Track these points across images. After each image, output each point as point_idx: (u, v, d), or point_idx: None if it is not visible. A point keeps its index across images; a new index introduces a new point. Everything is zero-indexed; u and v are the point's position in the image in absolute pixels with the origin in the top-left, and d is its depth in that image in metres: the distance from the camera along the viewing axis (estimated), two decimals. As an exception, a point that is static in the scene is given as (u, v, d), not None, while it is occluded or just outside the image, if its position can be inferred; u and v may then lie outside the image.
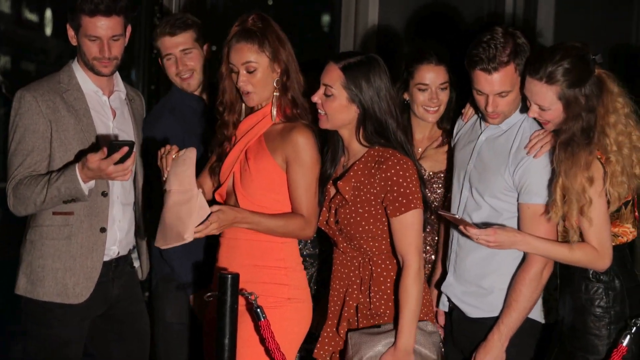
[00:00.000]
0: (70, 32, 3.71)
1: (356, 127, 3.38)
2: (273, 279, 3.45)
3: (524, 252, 3.42)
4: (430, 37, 5.57)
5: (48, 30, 6.41)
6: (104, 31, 3.64)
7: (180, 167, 3.28)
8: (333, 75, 3.36)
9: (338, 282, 3.44)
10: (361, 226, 3.34)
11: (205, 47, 4.04)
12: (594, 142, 3.31)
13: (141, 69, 5.92)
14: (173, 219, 3.24)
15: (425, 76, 3.77)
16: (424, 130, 3.89)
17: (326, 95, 3.37)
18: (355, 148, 3.42)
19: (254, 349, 3.39)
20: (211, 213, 3.23)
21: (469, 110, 3.70)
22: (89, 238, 3.67)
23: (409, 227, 3.30)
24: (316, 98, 3.40)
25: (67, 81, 3.72)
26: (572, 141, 3.30)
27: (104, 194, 3.68)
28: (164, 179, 3.33)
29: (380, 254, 3.37)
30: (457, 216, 3.35)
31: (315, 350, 3.47)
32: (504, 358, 3.41)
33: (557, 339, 3.51)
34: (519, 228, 3.41)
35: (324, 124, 3.41)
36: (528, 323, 3.47)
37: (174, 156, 3.32)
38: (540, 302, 3.52)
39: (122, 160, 3.42)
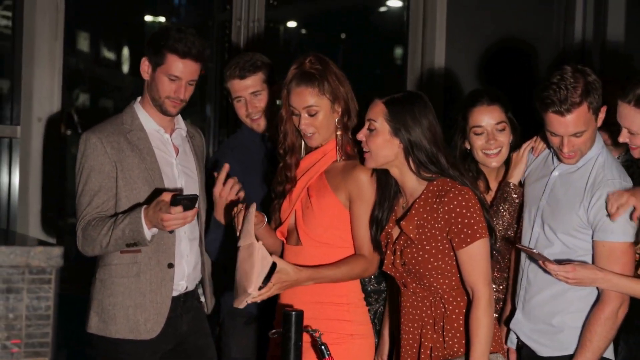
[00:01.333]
0: (146, 66, 3.75)
1: (405, 160, 3.37)
2: (336, 315, 3.47)
3: (597, 290, 3.38)
4: (497, 75, 5.55)
5: (125, 68, 6.55)
6: (187, 74, 3.71)
7: (247, 224, 3.35)
8: (376, 110, 3.37)
9: (410, 324, 3.41)
10: (430, 263, 3.32)
11: (274, 87, 4.05)
12: None
13: (213, 103, 6.02)
14: (241, 275, 3.32)
15: (478, 118, 3.71)
16: (491, 176, 3.82)
17: (370, 130, 3.38)
18: (412, 185, 3.40)
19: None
20: (274, 264, 3.27)
21: (539, 144, 3.66)
22: (157, 274, 3.72)
23: (476, 257, 3.27)
24: (361, 135, 3.41)
25: (130, 122, 3.78)
26: None
27: (171, 231, 3.74)
28: (238, 234, 3.39)
29: (451, 290, 3.34)
30: (535, 251, 3.31)
31: None
32: None
33: None
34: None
35: (369, 163, 3.40)
36: None
37: (241, 213, 3.39)
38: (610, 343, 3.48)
39: (184, 210, 3.47)
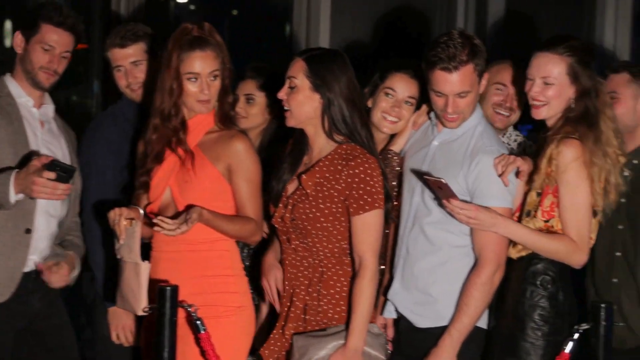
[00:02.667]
0: (19, 39, 3.74)
1: (321, 119, 3.37)
2: (223, 287, 3.45)
3: (475, 260, 3.40)
4: (383, 50, 5.58)
5: (7, 42, 6.39)
6: (60, 45, 3.71)
7: (131, 239, 3.33)
8: (296, 67, 3.38)
9: (287, 282, 3.42)
10: (319, 222, 3.33)
11: (157, 59, 3.96)
12: (599, 126, 3.37)
13: (100, 80, 5.89)
14: (128, 290, 3.35)
15: (396, 83, 3.70)
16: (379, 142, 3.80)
17: (290, 87, 3.38)
18: (321, 144, 3.41)
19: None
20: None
21: (419, 118, 3.68)
22: (14, 237, 3.65)
23: (370, 227, 3.30)
24: (282, 94, 3.40)
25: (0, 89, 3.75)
26: (573, 118, 3.37)
27: (32, 197, 3.63)
28: (119, 244, 3.35)
29: (332, 256, 3.36)
30: (443, 180, 3.24)
31: (262, 349, 3.45)
32: None
33: (495, 345, 3.49)
34: (473, 236, 3.40)
35: (290, 121, 3.41)
36: (475, 331, 3.45)
37: (124, 223, 3.31)
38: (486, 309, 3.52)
39: (56, 180, 3.42)
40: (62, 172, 3.43)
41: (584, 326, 3.28)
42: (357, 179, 3.28)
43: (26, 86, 3.75)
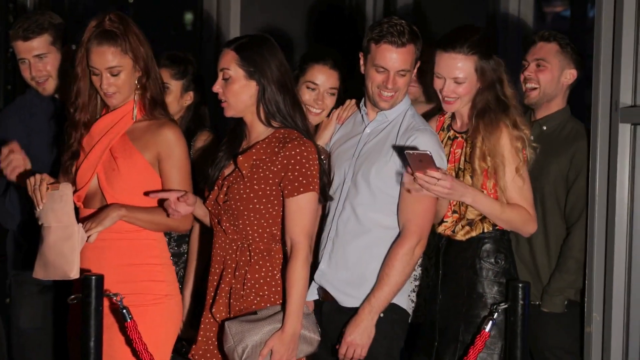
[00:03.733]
0: None
1: (257, 105, 3.39)
2: (150, 276, 3.43)
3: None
4: (296, 39, 5.60)
5: None
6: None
7: (58, 204, 3.29)
8: (227, 58, 3.38)
9: (216, 265, 3.43)
10: (252, 203, 3.34)
11: (65, 48, 3.89)
12: (511, 110, 3.51)
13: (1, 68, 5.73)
14: (55, 256, 3.28)
15: (316, 76, 3.73)
16: None
17: (224, 79, 3.38)
18: (258, 129, 3.42)
19: (121, 352, 3.35)
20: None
21: (344, 112, 3.73)
22: None
23: (304, 209, 3.32)
24: (217, 87, 3.40)
25: None
26: (489, 109, 3.50)
27: None
28: (38, 210, 3.31)
29: (260, 241, 3.37)
30: (428, 152, 3.26)
31: (198, 337, 3.42)
32: (373, 332, 3.44)
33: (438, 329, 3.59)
34: (399, 209, 3.47)
35: (229, 112, 3.41)
36: (399, 314, 3.53)
37: (47, 188, 3.28)
38: (411, 295, 3.62)
39: None
40: None
41: (503, 305, 3.42)
42: (292, 161, 3.31)
43: None
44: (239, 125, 3.48)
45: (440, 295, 3.61)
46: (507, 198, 3.50)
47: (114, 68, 3.40)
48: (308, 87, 3.73)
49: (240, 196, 3.34)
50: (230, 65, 3.37)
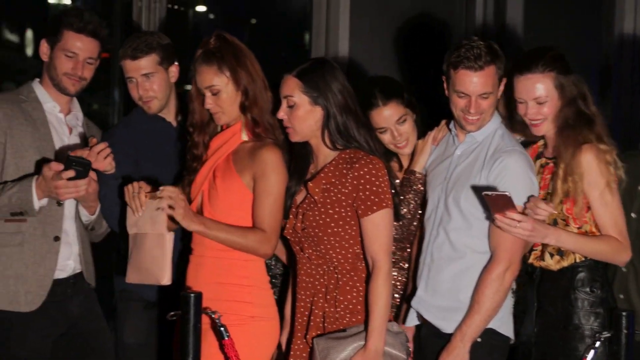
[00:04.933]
0: (44, 47, 3.75)
1: (322, 130, 3.40)
2: (236, 296, 3.46)
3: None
4: (400, 59, 5.58)
5: (29, 51, 6.44)
6: (83, 51, 3.72)
7: (154, 211, 3.36)
8: (290, 85, 3.40)
9: (303, 292, 3.44)
10: (330, 228, 3.35)
11: (172, 67, 3.96)
12: (596, 124, 3.44)
13: (120, 86, 5.91)
14: (149, 262, 3.37)
15: (378, 120, 3.74)
16: (407, 161, 3.86)
17: (289, 107, 3.40)
18: (325, 153, 3.44)
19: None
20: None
21: (439, 133, 3.73)
22: (42, 246, 3.67)
23: (379, 226, 3.32)
24: (281, 114, 3.43)
25: (26, 94, 3.76)
26: (568, 125, 3.44)
27: (59, 204, 3.68)
28: (133, 217, 3.39)
29: (345, 262, 3.37)
30: (507, 193, 3.25)
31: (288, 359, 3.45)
32: (467, 359, 3.40)
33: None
34: (489, 235, 3.42)
35: (294, 137, 3.43)
36: (500, 339, 3.48)
37: (145, 195, 3.37)
38: (511, 318, 3.54)
39: (76, 178, 3.45)
40: (79, 167, 3.45)
41: (606, 334, 3.30)
42: (362, 181, 3.31)
43: (53, 92, 3.76)
44: (304, 148, 3.49)
45: (536, 327, 3.53)
46: (597, 223, 3.40)
47: (212, 87, 3.47)
48: (380, 133, 3.74)
49: (317, 223, 3.35)
50: (294, 92, 3.39)
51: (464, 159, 3.54)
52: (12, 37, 6.61)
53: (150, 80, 3.89)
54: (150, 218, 3.37)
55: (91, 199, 3.67)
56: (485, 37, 3.59)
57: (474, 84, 3.43)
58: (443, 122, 3.74)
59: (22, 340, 3.65)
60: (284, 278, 3.90)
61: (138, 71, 3.89)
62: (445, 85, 3.54)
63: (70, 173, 3.44)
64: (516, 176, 3.41)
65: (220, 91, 3.47)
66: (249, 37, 6.63)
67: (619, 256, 3.45)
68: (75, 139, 3.81)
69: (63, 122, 3.80)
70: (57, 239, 3.68)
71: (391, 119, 3.74)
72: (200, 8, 6.80)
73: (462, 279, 3.47)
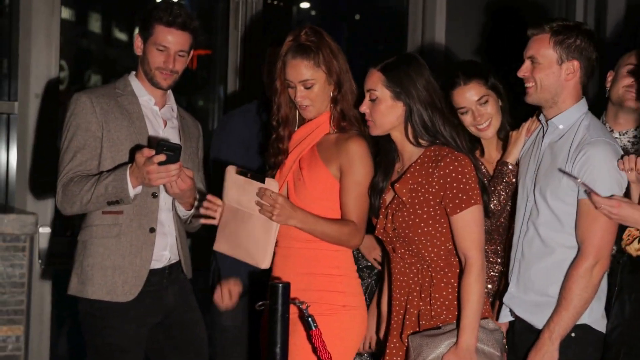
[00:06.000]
0: (138, 41, 3.80)
1: (404, 126, 3.39)
2: (328, 286, 3.48)
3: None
4: (497, 48, 5.51)
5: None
6: (174, 44, 3.75)
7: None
8: (374, 79, 3.40)
9: (398, 290, 3.44)
10: (420, 228, 3.34)
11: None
12: None
13: (223, 83, 5.97)
14: (250, 243, 3.40)
15: (459, 100, 3.72)
16: (490, 146, 3.83)
17: (371, 100, 3.40)
18: (409, 150, 3.42)
19: (306, 359, 3.40)
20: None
21: (532, 124, 3.67)
22: (139, 237, 3.73)
23: (470, 223, 3.30)
24: (364, 107, 3.43)
25: (122, 88, 3.83)
26: None
27: (154, 195, 3.75)
28: (237, 192, 3.43)
29: (438, 259, 3.36)
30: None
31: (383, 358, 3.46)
32: (556, 356, 3.34)
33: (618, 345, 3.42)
34: (576, 229, 3.36)
35: (374, 131, 3.43)
36: (594, 335, 3.41)
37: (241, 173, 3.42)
38: (602, 312, 3.46)
39: (167, 163, 3.50)
40: (170, 152, 3.49)
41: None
42: (449, 179, 3.28)
43: (147, 86, 3.81)
44: (388, 145, 3.48)
45: (622, 317, 3.43)
46: None
47: (307, 81, 3.48)
48: (462, 113, 3.73)
49: (406, 224, 3.34)
50: (377, 86, 3.38)
51: (550, 150, 3.48)
52: (121, 35, 6.77)
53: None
54: (257, 200, 3.38)
55: (187, 195, 3.72)
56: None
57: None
58: (537, 113, 3.66)
59: (118, 329, 3.72)
60: (371, 271, 3.90)
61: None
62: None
63: (161, 157, 3.48)
64: (599, 167, 3.32)
65: (314, 85, 3.49)
66: (350, 32, 6.65)
67: None
68: (169, 131, 3.87)
69: (158, 115, 3.85)
70: (152, 230, 3.75)
71: (472, 99, 3.70)
72: (304, 5, 6.85)
73: (553, 274, 3.40)
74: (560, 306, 3.34)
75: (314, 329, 3.32)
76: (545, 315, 3.40)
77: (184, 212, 3.84)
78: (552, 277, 3.41)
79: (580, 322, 3.37)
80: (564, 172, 3.30)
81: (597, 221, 3.31)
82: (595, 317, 3.41)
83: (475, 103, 3.71)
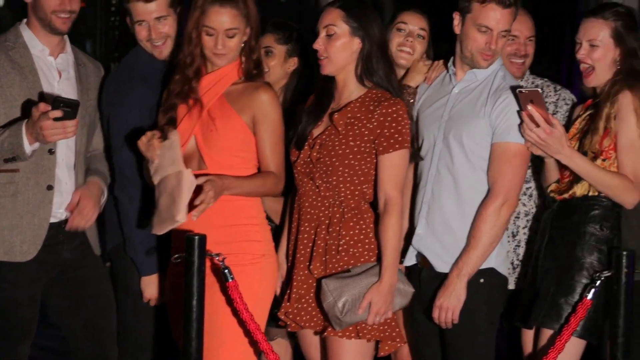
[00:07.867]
0: None
1: (356, 63, 3.47)
2: (248, 236, 3.49)
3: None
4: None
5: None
6: None
7: (169, 151, 3.36)
8: (333, 15, 3.47)
9: (307, 224, 3.49)
10: (347, 159, 3.41)
11: (179, 10, 3.83)
12: None
13: (98, 39, 5.82)
14: (168, 203, 3.34)
15: (407, 18, 3.87)
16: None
17: (328, 35, 3.46)
18: (351, 88, 3.50)
19: (222, 310, 3.41)
20: (202, 185, 3.30)
21: (433, 73, 3.75)
22: (36, 195, 3.64)
23: (397, 165, 3.41)
24: (319, 43, 3.48)
25: (13, 40, 3.69)
26: (620, 74, 3.51)
27: (51, 152, 3.64)
28: (153, 165, 3.38)
29: (351, 198, 3.44)
30: (538, 89, 3.37)
31: (292, 295, 3.48)
32: (464, 296, 3.43)
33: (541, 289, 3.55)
34: (488, 171, 3.46)
35: (327, 68, 3.48)
36: (499, 280, 3.52)
37: (156, 140, 3.37)
38: (506, 256, 3.58)
39: (64, 119, 3.40)
40: (67, 108, 3.40)
41: (606, 273, 3.35)
42: (389, 118, 3.39)
43: (42, 35, 3.68)
44: (326, 87, 3.54)
45: (542, 261, 3.57)
46: (618, 162, 3.45)
47: (230, 30, 3.45)
48: (399, 29, 3.86)
49: (335, 152, 3.41)
50: (336, 22, 3.45)
51: (463, 96, 3.56)
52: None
53: (162, 23, 3.75)
54: (166, 159, 3.35)
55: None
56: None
57: (497, 21, 3.46)
58: (438, 62, 3.77)
59: (11, 283, 3.64)
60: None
61: (150, 14, 3.73)
62: (456, 22, 3.55)
63: (57, 113, 3.38)
64: (517, 115, 3.43)
65: (236, 35, 3.45)
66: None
67: (626, 195, 3.47)
68: (65, 83, 3.75)
69: (53, 66, 3.73)
70: (50, 187, 3.66)
71: (415, 26, 3.86)
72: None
73: (464, 217, 3.49)
74: (469, 245, 3.44)
75: (230, 280, 3.32)
76: (448, 258, 3.50)
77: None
78: (463, 219, 3.50)
79: (487, 265, 3.47)
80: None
81: (508, 163, 3.43)
82: (501, 260, 3.52)
83: (417, 29, 3.86)
